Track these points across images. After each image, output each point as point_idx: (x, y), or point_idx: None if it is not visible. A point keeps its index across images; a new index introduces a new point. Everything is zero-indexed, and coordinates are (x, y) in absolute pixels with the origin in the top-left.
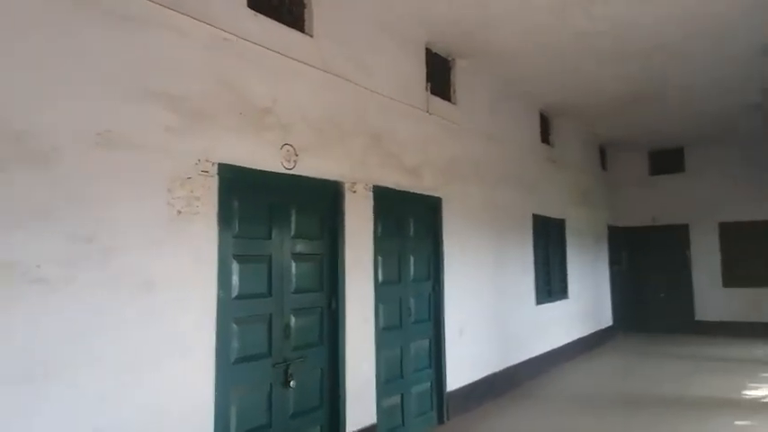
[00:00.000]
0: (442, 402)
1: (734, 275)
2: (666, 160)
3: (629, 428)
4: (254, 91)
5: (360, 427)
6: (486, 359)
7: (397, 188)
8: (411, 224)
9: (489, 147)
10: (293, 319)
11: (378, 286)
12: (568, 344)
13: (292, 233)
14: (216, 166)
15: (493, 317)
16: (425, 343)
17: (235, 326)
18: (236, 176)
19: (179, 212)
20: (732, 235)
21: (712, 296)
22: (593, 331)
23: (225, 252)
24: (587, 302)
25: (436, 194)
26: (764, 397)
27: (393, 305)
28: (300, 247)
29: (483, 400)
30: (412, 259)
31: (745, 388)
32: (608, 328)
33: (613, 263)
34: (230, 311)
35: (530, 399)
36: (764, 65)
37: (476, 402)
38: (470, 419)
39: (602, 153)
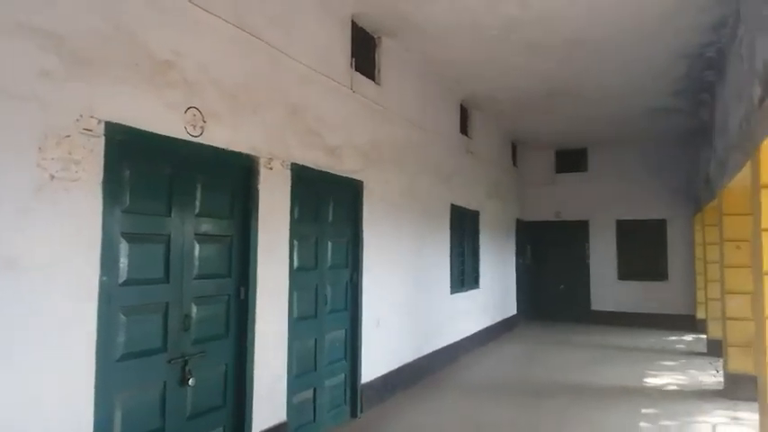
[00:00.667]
0: (355, 395)
1: (628, 269)
2: (571, 159)
3: (538, 417)
4: (154, 40)
5: (268, 425)
6: (401, 349)
7: (317, 168)
8: (330, 207)
9: (411, 132)
10: (194, 309)
11: (293, 273)
12: (478, 332)
13: (197, 211)
14: (102, 125)
15: (410, 306)
16: (341, 334)
17: (122, 316)
18: (128, 139)
19: (52, 177)
20: (627, 232)
21: (608, 288)
22: (499, 320)
23: (111, 228)
24: (496, 292)
25: (357, 177)
26: (666, 385)
27: (309, 293)
28: (206, 227)
29: (396, 391)
30: (330, 245)
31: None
32: (512, 317)
33: (519, 255)
34: (116, 299)
35: (442, 388)
36: (679, 67)
37: (389, 393)
38: (383, 412)
39: (514, 149)
